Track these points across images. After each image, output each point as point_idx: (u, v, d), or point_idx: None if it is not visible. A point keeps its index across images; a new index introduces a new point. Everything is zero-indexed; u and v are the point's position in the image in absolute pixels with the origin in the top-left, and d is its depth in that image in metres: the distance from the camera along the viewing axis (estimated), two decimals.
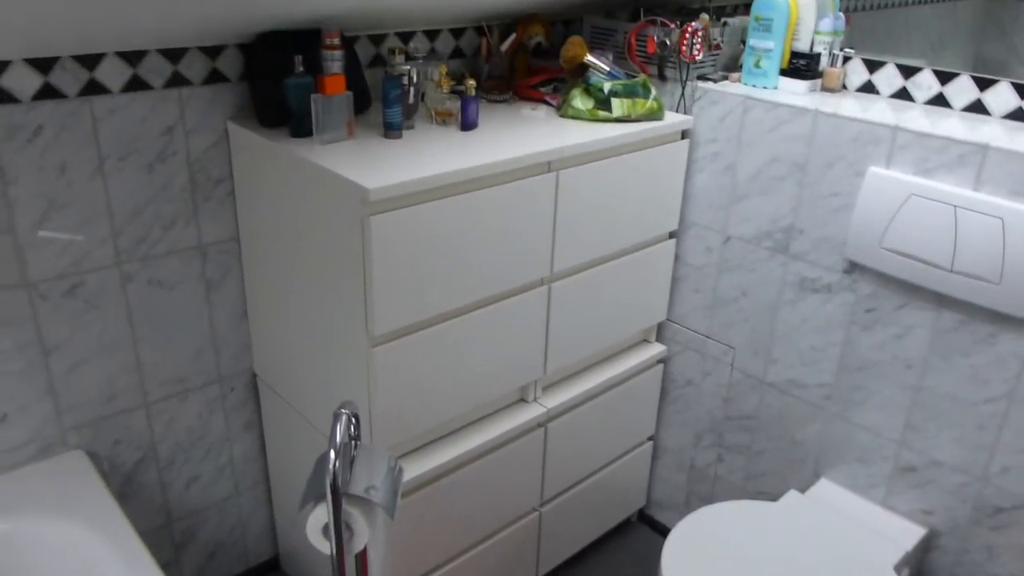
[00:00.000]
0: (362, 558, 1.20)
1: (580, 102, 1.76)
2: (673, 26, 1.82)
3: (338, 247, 1.44)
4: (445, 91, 1.67)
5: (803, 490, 1.94)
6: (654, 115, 1.79)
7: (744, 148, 1.83)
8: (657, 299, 2.05)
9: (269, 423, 1.93)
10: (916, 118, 1.62)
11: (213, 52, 1.59)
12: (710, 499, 2.21)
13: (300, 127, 1.53)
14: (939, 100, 1.72)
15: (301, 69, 1.51)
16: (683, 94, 1.89)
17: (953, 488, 1.70)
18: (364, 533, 1.13)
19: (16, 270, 1.49)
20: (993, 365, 1.57)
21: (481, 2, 1.77)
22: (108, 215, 1.56)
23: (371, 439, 1.54)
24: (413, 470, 1.62)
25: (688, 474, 2.25)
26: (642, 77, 1.80)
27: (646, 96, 1.77)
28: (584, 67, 1.80)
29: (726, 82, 1.89)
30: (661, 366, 2.17)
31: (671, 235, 2.01)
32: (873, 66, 1.80)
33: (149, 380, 1.73)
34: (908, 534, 1.74)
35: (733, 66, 1.96)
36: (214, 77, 1.60)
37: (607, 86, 1.75)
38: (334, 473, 1.07)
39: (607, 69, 1.78)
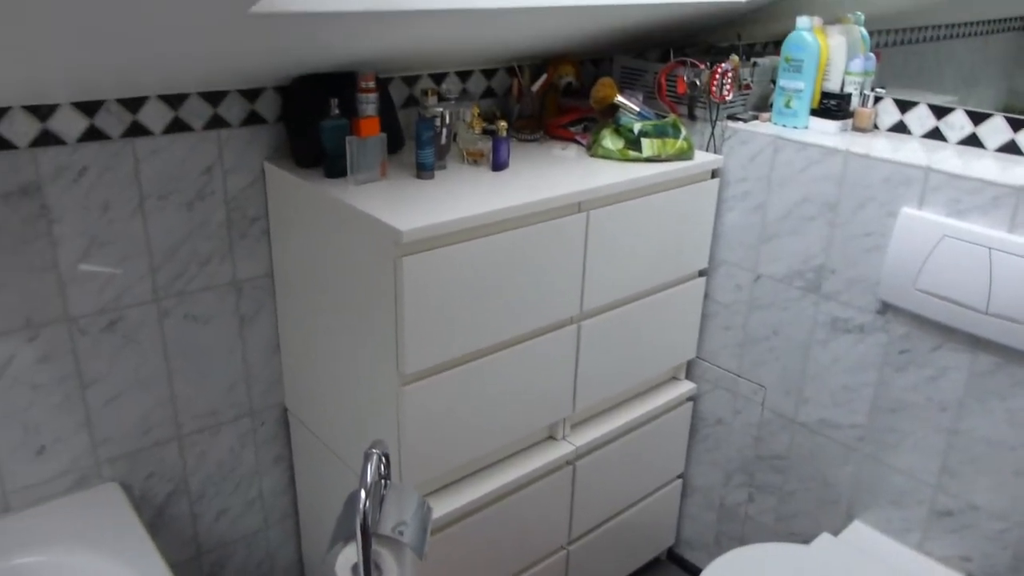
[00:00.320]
0: None
1: (610, 142, 1.78)
2: (703, 67, 1.84)
3: (370, 286, 1.46)
4: (477, 132, 1.70)
5: (836, 532, 1.91)
6: (684, 155, 1.80)
7: (774, 187, 1.83)
8: (687, 337, 2.04)
9: (299, 457, 1.95)
10: (949, 159, 1.61)
11: (252, 95, 1.63)
12: (740, 539, 2.18)
13: (335, 168, 1.56)
14: (972, 140, 1.71)
15: (337, 112, 1.54)
16: (713, 134, 1.89)
17: (992, 534, 1.66)
18: (393, 572, 1.13)
19: (58, 305, 1.52)
20: None
21: (512, 44, 1.80)
22: (147, 252, 1.60)
23: (400, 476, 1.54)
24: (441, 508, 1.62)
25: (718, 513, 2.22)
26: (672, 117, 1.81)
27: (676, 136, 1.78)
28: (614, 107, 1.82)
29: (756, 122, 1.89)
30: (691, 404, 2.16)
31: (701, 273, 2.01)
32: (905, 106, 1.80)
33: (183, 413, 1.76)
34: None
35: (763, 105, 1.97)
36: (252, 119, 1.64)
37: (637, 126, 1.77)
38: (364, 513, 1.08)
39: (637, 109, 1.79)
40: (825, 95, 1.82)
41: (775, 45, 2.49)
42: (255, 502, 1.96)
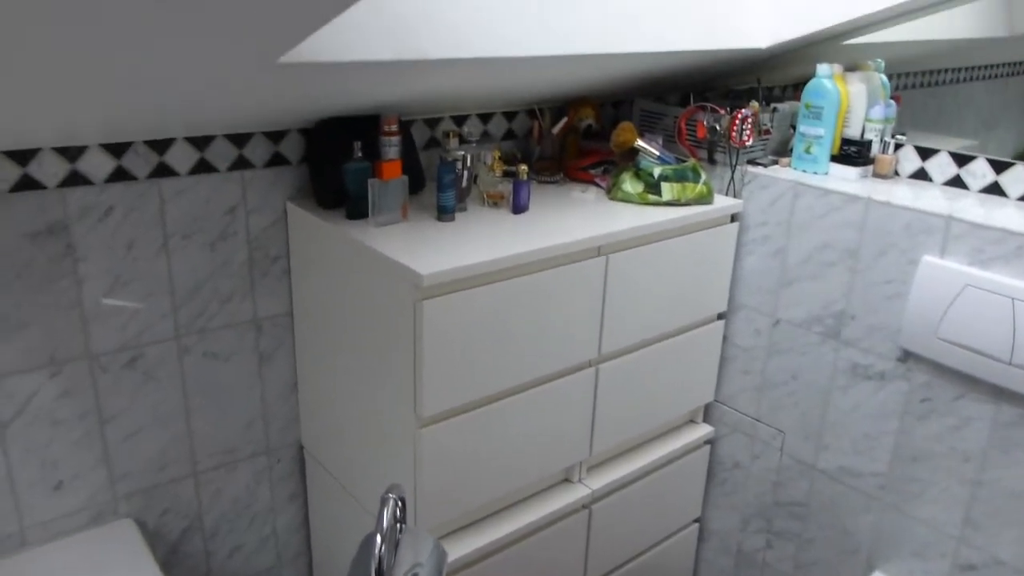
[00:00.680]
0: None
1: (630, 186, 1.79)
2: (723, 112, 1.85)
3: (389, 328, 1.47)
4: (497, 175, 1.71)
5: None
6: (704, 199, 1.80)
7: (794, 233, 1.82)
8: (705, 380, 2.03)
9: (313, 495, 1.94)
10: (970, 207, 1.60)
11: (276, 137, 1.65)
12: None
13: (356, 209, 1.58)
14: (994, 188, 1.70)
15: (359, 154, 1.56)
16: (733, 178, 1.90)
17: None
18: None
19: (81, 342, 1.54)
20: None
21: (533, 88, 1.82)
22: (170, 290, 1.61)
23: (416, 517, 1.54)
24: (457, 550, 1.61)
25: (735, 559, 2.19)
26: (692, 162, 1.82)
27: (696, 180, 1.79)
28: (634, 151, 1.83)
29: (776, 166, 1.90)
30: (708, 447, 2.14)
31: (720, 316, 2.00)
32: (926, 153, 1.79)
33: (200, 450, 1.76)
34: None
35: (783, 150, 1.97)
36: (276, 160, 1.67)
37: (657, 170, 1.77)
38: (379, 558, 1.07)
39: (657, 154, 1.80)
40: (845, 141, 1.82)
41: (794, 88, 2.51)
42: (269, 539, 1.96)
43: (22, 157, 1.39)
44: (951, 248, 1.58)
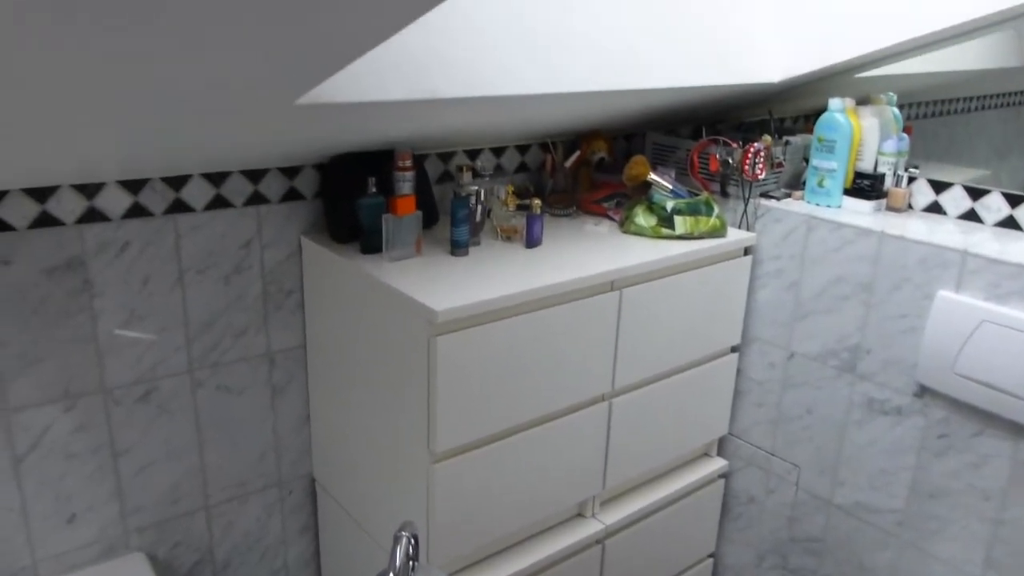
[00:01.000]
0: None
1: (643, 219, 1.79)
2: (735, 145, 1.85)
3: (403, 363, 1.47)
4: (511, 209, 1.72)
5: None
6: (717, 232, 1.80)
7: (808, 266, 1.82)
8: (719, 413, 2.02)
9: (325, 528, 1.93)
10: (986, 241, 1.60)
11: (291, 172, 1.67)
12: None
13: (370, 244, 1.59)
14: (1009, 222, 1.69)
15: (374, 190, 1.57)
16: (746, 211, 1.90)
17: None
18: None
19: (96, 376, 1.54)
20: None
21: (546, 122, 1.83)
22: (184, 324, 1.62)
23: (428, 552, 1.53)
24: None
25: None
26: (705, 195, 1.82)
27: (709, 214, 1.79)
28: (647, 184, 1.83)
29: (789, 199, 1.90)
30: (722, 481, 2.12)
31: (733, 349, 1.99)
32: (939, 187, 1.79)
33: (212, 483, 1.76)
34: None
35: (796, 183, 1.97)
36: (291, 195, 1.68)
37: (670, 204, 1.78)
38: None
39: (670, 187, 1.81)
40: (858, 175, 1.82)
41: (806, 119, 2.52)
42: (280, 573, 1.95)
43: (41, 194, 1.41)
44: (967, 283, 1.57)
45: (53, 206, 1.42)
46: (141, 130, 1.21)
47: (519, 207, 1.73)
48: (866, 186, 1.80)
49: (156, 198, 1.52)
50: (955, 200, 1.77)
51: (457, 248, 1.61)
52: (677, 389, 1.86)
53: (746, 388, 2.03)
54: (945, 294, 1.60)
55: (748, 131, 2.09)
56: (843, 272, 1.76)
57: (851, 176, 1.83)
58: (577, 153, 1.94)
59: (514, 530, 1.66)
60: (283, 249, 1.70)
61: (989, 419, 1.59)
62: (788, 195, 1.91)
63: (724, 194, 1.93)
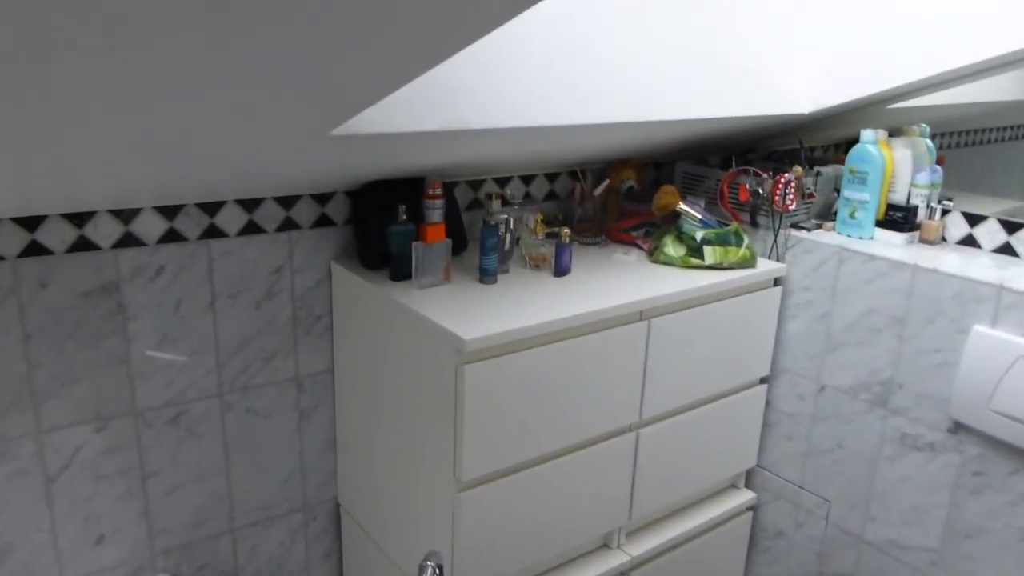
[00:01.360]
0: None
1: (672, 249, 1.78)
2: (765, 176, 1.84)
3: (430, 390, 1.47)
4: (540, 237, 1.72)
5: None
6: (746, 263, 1.79)
7: (839, 298, 1.80)
8: (747, 445, 1.99)
9: (349, 553, 1.93)
10: (1022, 276, 1.57)
11: (323, 199, 1.69)
12: None
13: (400, 271, 1.59)
14: None
15: (404, 218, 1.58)
16: (776, 242, 1.89)
17: None
18: None
19: (127, 398, 1.56)
20: None
21: (575, 151, 1.84)
22: (215, 348, 1.64)
23: None
24: None
25: None
26: (734, 225, 1.82)
27: (739, 244, 1.78)
28: (676, 214, 1.83)
29: (820, 230, 1.88)
30: (750, 514, 2.09)
31: (762, 380, 1.97)
32: (974, 220, 1.77)
33: (237, 507, 1.77)
34: None
35: (827, 214, 1.96)
36: (322, 221, 1.70)
37: (699, 234, 1.77)
38: None
39: (699, 217, 1.80)
40: (891, 207, 1.80)
41: (837, 148, 2.50)
42: None
43: (79, 219, 1.43)
44: (1003, 318, 1.55)
45: (90, 231, 1.45)
46: (178, 159, 1.24)
47: (548, 235, 1.74)
48: (899, 218, 1.79)
49: (191, 223, 1.55)
50: (990, 233, 1.75)
51: (486, 276, 1.62)
52: (705, 420, 1.85)
53: (775, 420, 2.00)
54: (980, 329, 1.57)
55: (778, 160, 2.08)
56: (875, 305, 1.74)
57: (883, 208, 1.81)
58: (606, 181, 1.94)
59: (539, 560, 1.65)
60: (313, 275, 1.72)
61: None
62: (819, 226, 1.90)
63: (754, 224, 1.92)
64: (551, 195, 2.05)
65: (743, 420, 1.95)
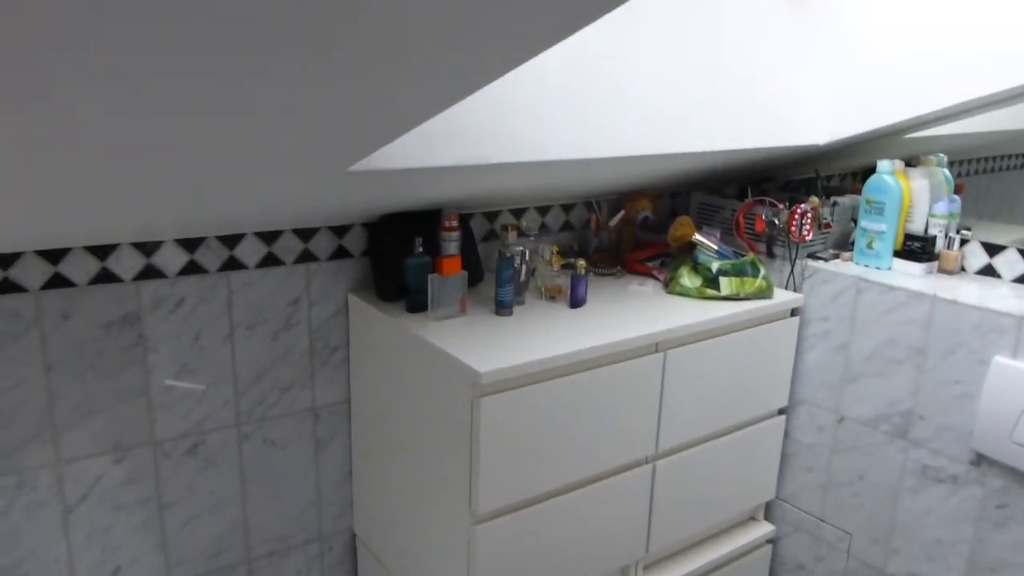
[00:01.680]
0: None
1: (688, 280, 1.78)
2: (781, 207, 1.84)
3: (446, 422, 1.47)
4: (555, 269, 1.72)
5: None
6: (763, 294, 1.78)
7: (858, 328, 1.79)
8: (766, 477, 1.97)
9: None
10: None
11: (340, 231, 1.70)
12: None
13: (416, 303, 1.60)
14: None
15: (420, 250, 1.60)
16: (792, 272, 1.88)
17: None
18: None
19: (146, 429, 1.57)
20: None
21: (591, 183, 1.85)
22: (233, 379, 1.65)
23: None
24: None
25: None
26: (751, 256, 1.81)
27: (755, 275, 1.78)
28: (692, 245, 1.83)
29: (837, 260, 1.87)
30: (770, 547, 2.06)
31: (780, 411, 1.96)
32: (993, 250, 1.76)
33: (254, 537, 1.77)
34: None
35: (844, 243, 1.95)
36: (339, 253, 1.71)
37: (715, 265, 1.77)
38: None
39: (715, 248, 1.80)
40: (909, 237, 1.79)
41: (853, 176, 2.50)
42: None
43: (102, 252, 1.46)
44: None
45: (113, 263, 1.47)
46: (200, 195, 1.26)
47: (563, 266, 1.74)
48: (917, 248, 1.78)
49: (211, 256, 1.57)
50: (1009, 263, 1.73)
51: (502, 308, 1.62)
52: (723, 451, 1.83)
53: (794, 451, 1.99)
54: (1001, 360, 1.56)
55: (794, 190, 2.08)
56: (894, 335, 1.72)
57: (901, 238, 1.80)
58: (622, 212, 1.95)
59: None
60: (330, 306, 1.73)
61: None
62: (836, 256, 1.89)
63: (771, 255, 1.91)
64: (567, 226, 2.06)
65: (761, 451, 1.93)
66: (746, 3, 1.72)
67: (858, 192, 1.90)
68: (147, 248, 1.50)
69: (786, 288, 1.90)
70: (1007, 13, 1.51)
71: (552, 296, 1.73)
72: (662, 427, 1.68)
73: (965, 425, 1.64)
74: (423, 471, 1.58)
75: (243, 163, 1.09)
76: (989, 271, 1.77)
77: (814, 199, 1.84)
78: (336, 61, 0.75)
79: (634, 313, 1.68)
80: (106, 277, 1.47)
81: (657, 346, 1.62)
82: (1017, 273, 1.72)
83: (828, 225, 1.89)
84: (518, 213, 1.96)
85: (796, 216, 1.80)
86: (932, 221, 1.79)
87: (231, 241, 1.58)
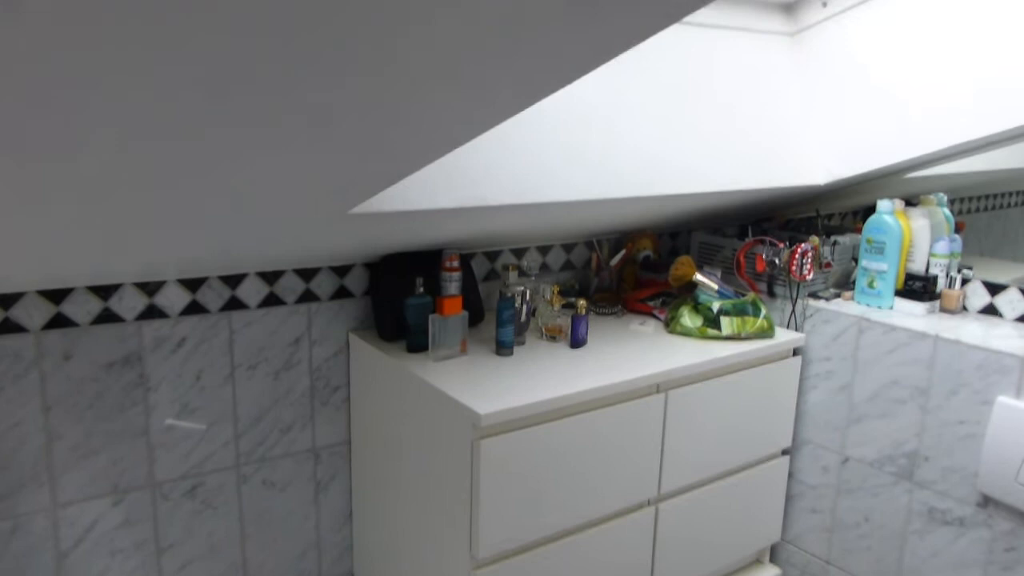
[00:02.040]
0: None
1: (689, 320, 1.78)
2: (782, 246, 1.85)
3: (446, 464, 1.46)
4: (556, 309, 1.72)
5: None
6: (764, 333, 1.78)
7: (860, 368, 1.78)
8: (770, 519, 1.95)
9: None
10: None
11: (342, 271, 1.71)
12: None
13: (417, 343, 1.60)
14: None
15: (421, 290, 1.60)
16: (794, 311, 1.88)
17: None
18: None
19: (145, 471, 1.56)
20: None
21: (591, 223, 1.85)
22: (233, 419, 1.64)
23: None
24: None
25: None
26: (751, 295, 1.81)
27: (756, 315, 1.77)
28: (693, 284, 1.83)
29: (839, 300, 1.87)
30: None
31: (784, 452, 1.94)
32: (995, 289, 1.75)
33: None
34: None
35: (845, 283, 1.95)
36: (340, 293, 1.72)
37: (716, 304, 1.77)
38: None
39: (716, 287, 1.80)
40: (910, 276, 1.79)
41: (854, 215, 2.51)
42: None
43: (105, 292, 1.46)
44: None
45: (115, 303, 1.48)
46: (204, 237, 1.26)
47: (564, 306, 1.74)
48: (918, 287, 1.77)
49: (213, 296, 1.57)
50: (1011, 302, 1.73)
51: (502, 348, 1.62)
52: (726, 493, 1.81)
53: (799, 492, 1.96)
54: (1005, 400, 1.55)
55: (795, 229, 2.08)
56: (897, 375, 1.72)
57: (902, 277, 1.80)
58: (623, 252, 1.96)
59: None
60: (331, 346, 1.73)
61: None
62: (838, 295, 1.89)
63: (771, 294, 1.91)
64: (568, 265, 2.06)
65: (766, 493, 1.91)
66: (744, 46, 1.74)
67: (859, 231, 1.90)
68: (149, 288, 1.51)
69: (787, 327, 1.90)
70: (1005, 54, 1.53)
71: (553, 336, 1.73)
72: (664, 469, 1.66)
73: (970, 466, 1.62)
74: (423, 513, 1.57)
75: (245, 206, 1.10)
76: (991, 310, 1.77)
77: (814, 238, 1.85)
78: (338, 107, 0.76)
79: (635, 353, 1.67)
80: (108, 317, 1.48)
81: (658, 387, 1.61)
82: (1019, 312, 1.72)
83: (829, 264, 1.89)
84: (519, 252, 1.97)
85: (797, 255, 1.81)
86: (933, 260, 1.79)
87: (233, 281, 1.59)
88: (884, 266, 1.79)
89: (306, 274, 1.67)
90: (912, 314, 1.77)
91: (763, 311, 1.79)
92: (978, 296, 1.78)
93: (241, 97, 0.70)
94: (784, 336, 1.83)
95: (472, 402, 1.37)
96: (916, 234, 1.80)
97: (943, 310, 1.79)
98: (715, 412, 1.72)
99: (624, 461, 1.58)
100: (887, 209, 1.79)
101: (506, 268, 1.72)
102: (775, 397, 1.84)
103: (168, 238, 1.26)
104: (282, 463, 1.73)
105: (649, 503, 1.67)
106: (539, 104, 1.29)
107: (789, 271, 1.82)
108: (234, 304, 1.60)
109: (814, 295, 1.89)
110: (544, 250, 2.01)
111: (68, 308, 1.43)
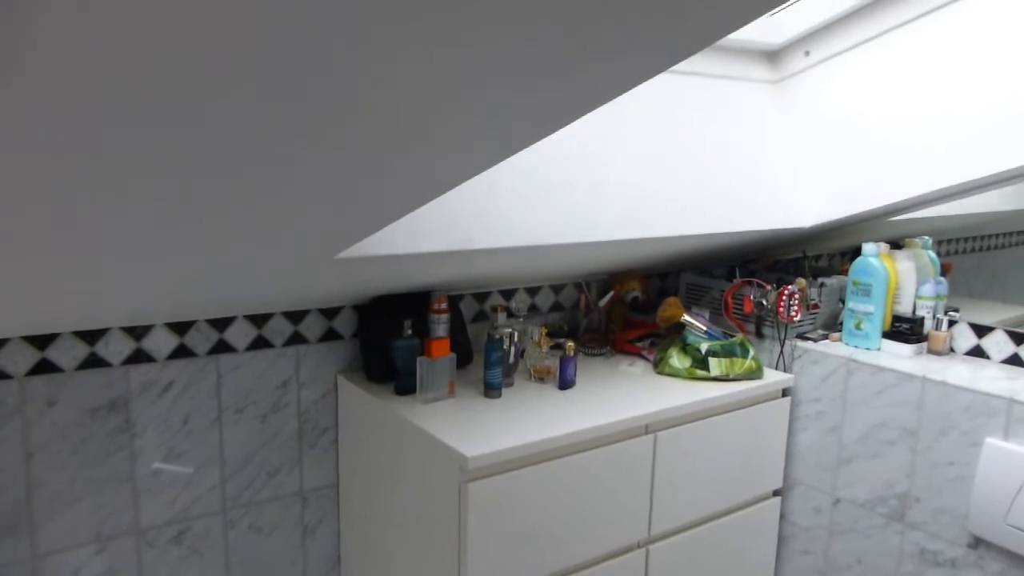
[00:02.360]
0: None
1: (677, 360, 1.78)
2: (769, 288, 1.86)
3: (434, 507, 1.45)
4: (544, 350, 1.73)
5: None
6: (753, 374, 1.78)
7: (850, 409, 1.78)
8: (763, 560, 1.93)
9: None
10: None
11: (330, 313, 1.71)
12: None
13: (404, 385, 1.60)
14: None
15: (409, 332, 1.60)
16: (782, 353, 1.88)
17: None
18: None
19: (130, 517, 1.55)
20: None
21: (579, 265, 1.87)
22: (220, 463, 1.63)
23: None
24: None
25: None
26: (740, 336, 1.82)
27: (744, 356, 1.78)
28: (681, 325, 1.84)
29: (827, 341, 1.88)
30: None
31: (775, 493, 1.93)
32: (981, 331, 1.77)
33: None
34: None
35: (833, 324, 1.96)
36: (329, 335, 1.72)
37: (704, 345, 1.77)
38: None
39: (704, 329, 1.81)
40: (897, 318, 1.80)
41: (842, 256, 2.53)
42: None
43: (91, 336, 1.46)
44: (1015, 431, 1.52)
45: (102, 348, 1.47)
46: (190, 286, 1.27)
47: (553, 347, 1.75)
48: (905, 329, 1.78)
49: (201, 339, 1.57)
50: (998, 344, 1.74)
51: (490, 390, 1.62)
52: (718, 535, 1.80)
53: (791, 534, 1.95)
54: (993, 442, 1.55)
55: (782, 271, 2.10)
56: (886, 417, 1.72)
57: (889, 319, 1.81)
58: (611, 293, 1.97)
59: None
60: (319, 388, 1.72)
61: None
62: (826, 336, 1.90)
63: (760, 335, 1.92)
64: (556, 306, 2.07)
65: (758, 534, 1.90)
66: (730, 93, 1.77)
67: (845, 272, 1.92)
68: (137, 332, 1.50)
69: (776, 368, 1.90)
70: (986, 100, 1.55)
71: (541, 377, 1.73)
72: (654, 510, 1.65)
73: (961, 507, 1.62)
74: (412, 557, 1.55)
75: (232, 253, 1.11)
76: (978, 352, 1.78)
77: (801, 280, 1.86)
78: (324, 155, 0.77)
79: (624, 394, 1.67)
80: (94, 362, 1.47)
81: (647, 428, 1.61)
82: (1006, 354, 1.73)
83: (816, 306, 1.90)
84: (508, 294, 1.97)
85: (784, 297, 1.82)
86: (919, 303, 1.80)
87: (221, 324, 1.59)
88: (871, 308, 1.80)
89: (295, 316, 1.67)
90: (900, 355, 1.77)
91: (751, 352, 1.79)
92: (965, 338, 1.79)
93: (213, 147, 0.71)
94: (773, 377, 1.83)
95: (459, 445, 1.37)
96: (902, 276, 1.81)
97: (930, 352, 1.80)
98: (705, 453, 1.72)
99: (613, 503, 1.57)
100: (872, 252, 1.81)
101: (494, 309, 1.73)
102: (765, 438, 1.84)
103: (154, 289, 1.27)
104: (269, 507, 1.71)
105: (639, 545, 1.66)
106: (526, 150, 1.32)
107: (777, 312, 1.83)
108: (222, 347, 1.60)
109: (802, 336, 1.90)
110: (533, 291, 2.01)
111: (53, 353, 1.43)
